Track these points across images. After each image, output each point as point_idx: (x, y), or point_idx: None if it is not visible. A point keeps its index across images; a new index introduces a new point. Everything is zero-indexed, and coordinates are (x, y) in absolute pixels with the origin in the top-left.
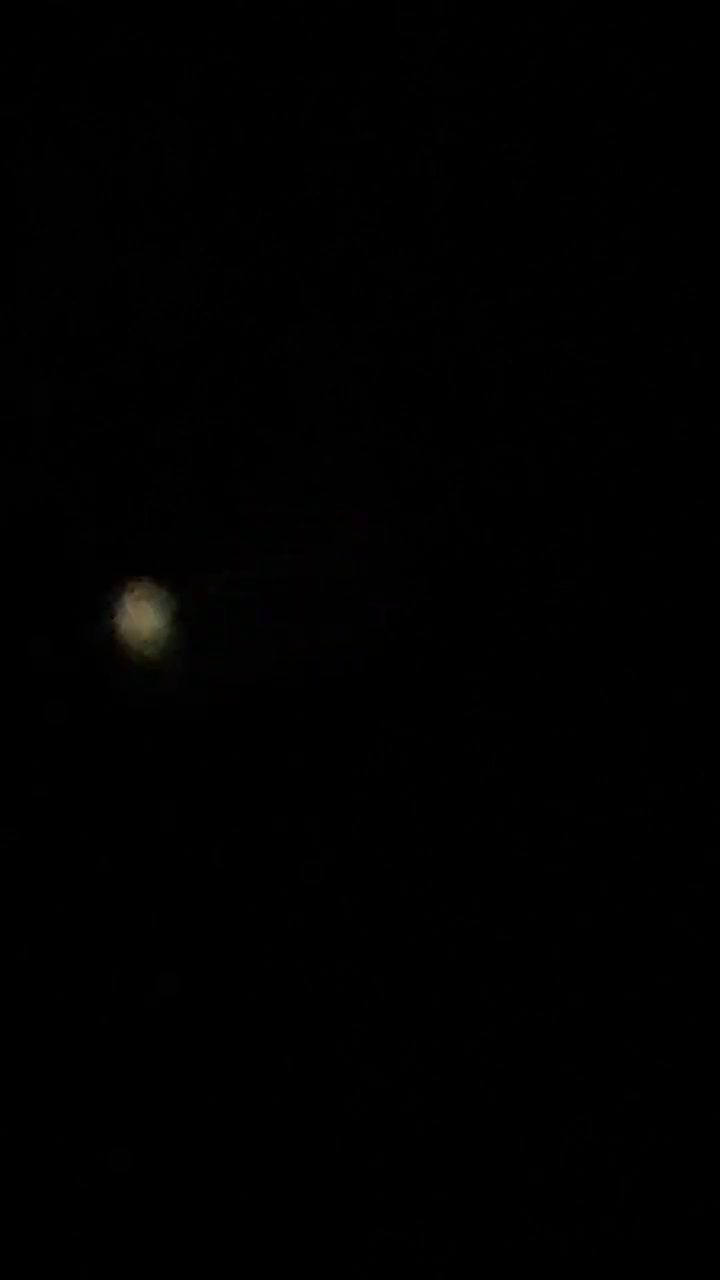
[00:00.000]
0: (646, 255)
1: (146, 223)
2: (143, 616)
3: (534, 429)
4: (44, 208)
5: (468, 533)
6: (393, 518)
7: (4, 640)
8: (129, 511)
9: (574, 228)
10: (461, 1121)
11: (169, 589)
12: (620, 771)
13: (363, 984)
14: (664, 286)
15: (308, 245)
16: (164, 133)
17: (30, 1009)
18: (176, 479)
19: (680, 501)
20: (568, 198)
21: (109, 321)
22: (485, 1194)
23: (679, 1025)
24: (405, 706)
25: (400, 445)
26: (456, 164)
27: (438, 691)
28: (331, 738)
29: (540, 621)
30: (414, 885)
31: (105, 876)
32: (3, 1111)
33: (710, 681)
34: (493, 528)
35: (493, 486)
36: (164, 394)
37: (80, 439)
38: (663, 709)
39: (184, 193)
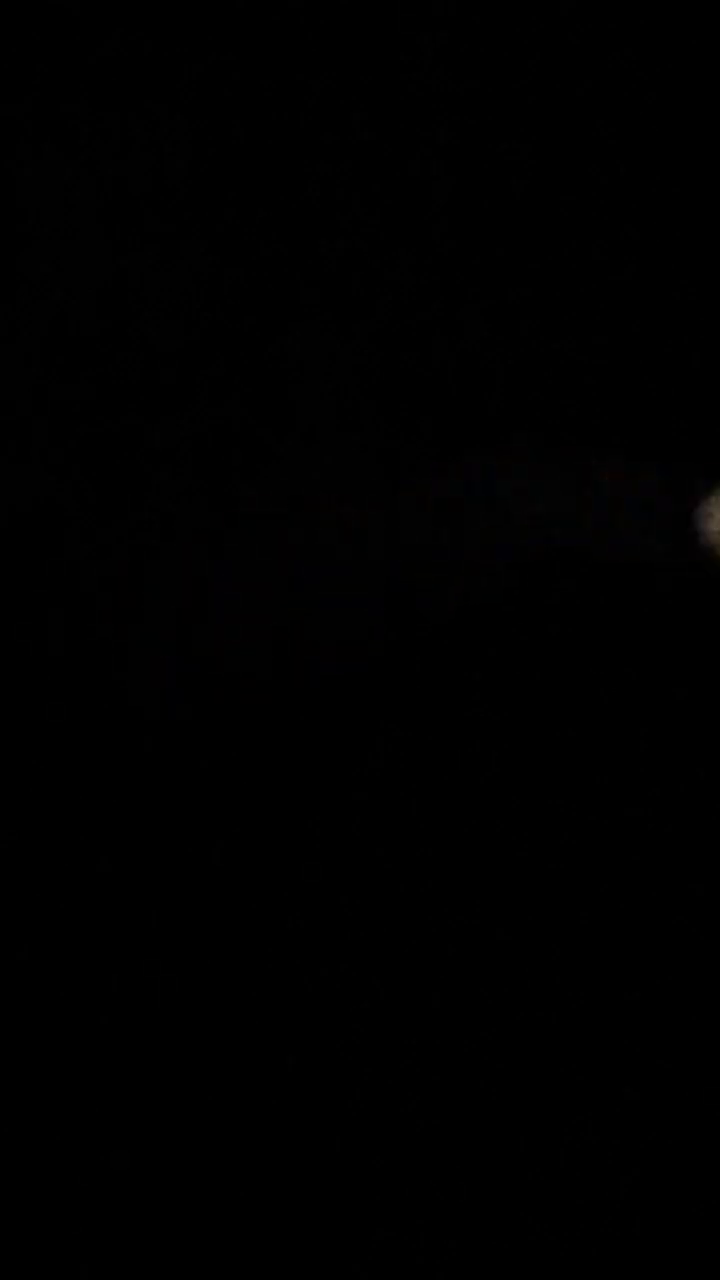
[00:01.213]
0: (646, 255)
1: (146, 223)
2: None
3: (534, 429)
4: (44, 208)
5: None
6: (392, 516)
7: (2, 640)
8: (129, 511)
9: (574, 228)
10: (461, 1121)
11: None
12: (620, 771)
13: (363, 984)
14: (664, 286)
15: (308, 245)
16: (164, 133)
17: (30, 1009)
18: (176, 479)
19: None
20: (568, 198)
21: (109, 321)
22: (485, 1194)
23: (679, 1025)
24: (404, 707)
25: (400, 445)
26: (456, 164)
27: (436, 691)
28: (328, 739)
29: (540, 621)
30: (414, 885)
31: (105, 876)
32: (3, 1112)
33: (711, 680)
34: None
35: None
36: (164, 394)
37: (80, 439)
38: (661, 710)
39: (184, 193)
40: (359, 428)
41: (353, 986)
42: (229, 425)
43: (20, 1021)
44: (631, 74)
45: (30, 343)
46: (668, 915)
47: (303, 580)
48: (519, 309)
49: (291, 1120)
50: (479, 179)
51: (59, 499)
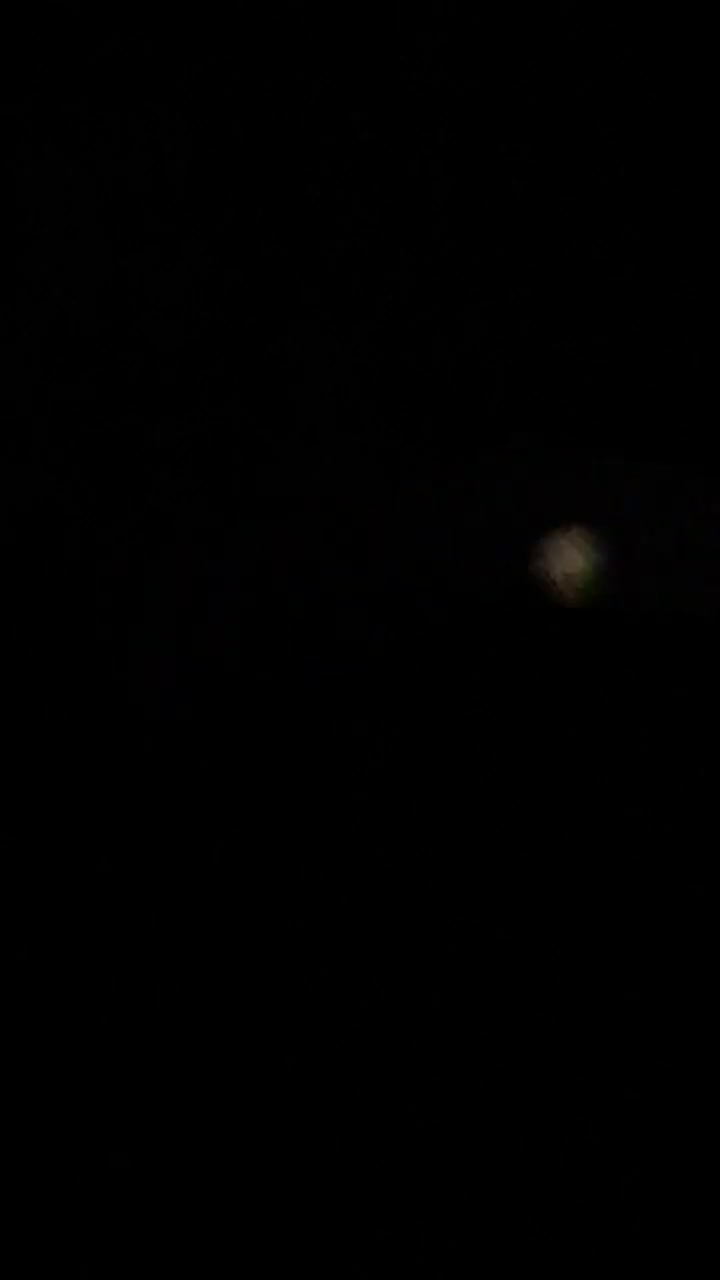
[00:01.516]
0: (646, 255)
1: (146, 223)
2: (571, 559)
3: (534, 428)
4: (44, 208)
5: (467, 531)
6: (393, 517)
7: (2, 640)
8: (129, 511)
9: (574, 228)
10: (461, 1121)
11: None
12: (620, 771)
13: (363, 983)
14: (664, 287)
15: (308, 245)
16: (164, 133)
17: (30, 1009)
18: (176, 479)
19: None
20: (568, 198)
21: (109, 321)
22: (485, 1195)
23: (679, 1025)
24: (404, 707)
25: (400, 445)
26: (456, 164)
27: (436, 691)
28: (328, 739)
29: (540, 623)
30: (414, 885)
31: (105, 876)
32: (3, 1112)
33: (710, 676)
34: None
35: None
36: (164, 394)
37: (80, 439)
38: (662, 713)
39: (184, 193)
40: (359, 428)
41: (352, 986)
42: (229, 425)
43: (21, 1021)
44: (631, 74)
45: (30, 343)
46: (667, 915)
47: (303, 580)
48: (519, 309)
49: (291, 1120)
50: (479, 179)
51: (59, 499)
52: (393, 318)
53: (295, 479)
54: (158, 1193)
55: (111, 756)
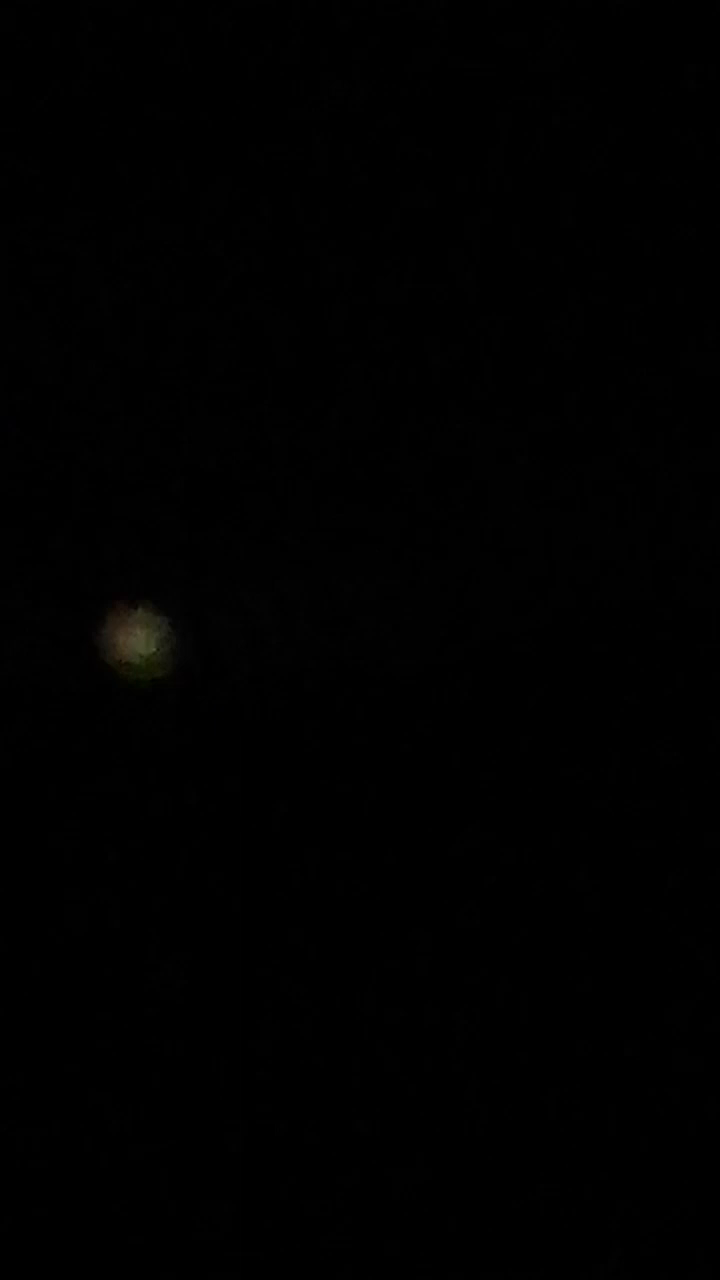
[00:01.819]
0: (646, 255)
1: (147, 224)
2: (138, 639)
3: (534, 429)
4: (44, 208)
5: (467, 535)
6: (394, 522)
7: (2, 641)
8: (130, 513)
9: (574, 228)
10: (461, 1121)
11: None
12: (619, 773)
13: (363, 985)
14: (664, 287)
15: (309, 245)
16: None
17: (30, 1009)
18: (176, 482)
19: (683, 495)
20: (568, 198)
21: (109, 321)
22: (485, 1194)
23: (679, 1025)
24: (403, 709)
25: (400, 445)
26: (456, 164)
27: (435, 693)
28: (328, 740)
29: (540, 625)
30: (414, 884)
31: (106, 876)
32: (4, 1112)
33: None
34: (492, 528)
35: (492, 487)
36: (164, 394)
37: (80, 439)
38: (664, 713)
39: (184, 193)
40: (359, 428)
41: (353, 987)
42: (229, 427)
43: (22, 1020)
44: (631, 75)
45: (30, 342)
46: (668, 915)
47: (302, 579)
48: (518, 309)
49: (291, 1120)
50: (479, 180)
51: (59, 499)
52: (392, 318)
53: (295, 479)
54: (158, 1193)
55: (111, 759)
